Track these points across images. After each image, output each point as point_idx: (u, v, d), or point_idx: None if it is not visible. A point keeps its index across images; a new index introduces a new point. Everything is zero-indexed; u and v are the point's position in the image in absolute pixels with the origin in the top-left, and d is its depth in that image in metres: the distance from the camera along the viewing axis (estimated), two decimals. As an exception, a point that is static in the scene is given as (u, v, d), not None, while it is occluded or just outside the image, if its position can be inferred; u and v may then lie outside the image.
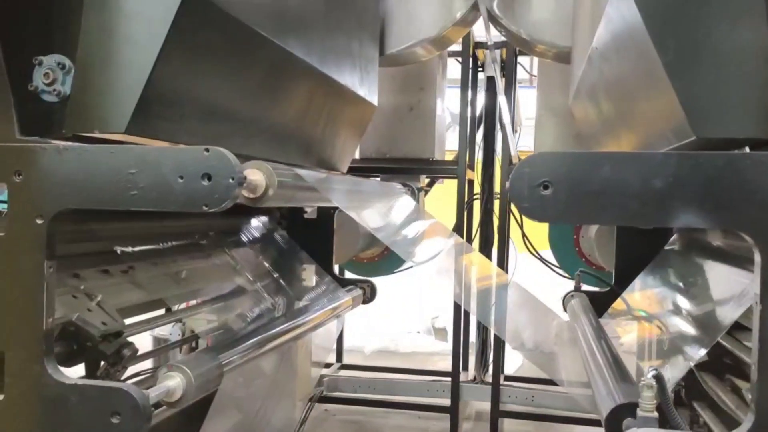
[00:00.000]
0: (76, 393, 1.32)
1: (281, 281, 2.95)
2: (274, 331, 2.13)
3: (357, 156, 4.36)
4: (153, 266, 2.30)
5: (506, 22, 3.22)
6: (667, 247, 2.46)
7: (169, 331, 3.72)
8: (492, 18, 3.33)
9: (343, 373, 4.94)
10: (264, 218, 3.07)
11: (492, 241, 4.83)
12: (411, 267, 4.15)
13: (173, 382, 1.50)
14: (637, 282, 2.55)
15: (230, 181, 1.28)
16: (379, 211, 2.36)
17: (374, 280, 3.25)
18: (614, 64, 1.73)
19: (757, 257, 1.08)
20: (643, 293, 2.50)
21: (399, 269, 4.41)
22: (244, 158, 1.91)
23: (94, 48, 1.47)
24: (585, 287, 2.98)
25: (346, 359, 5.38)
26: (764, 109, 1.20)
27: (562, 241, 4.17)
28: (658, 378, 1.19)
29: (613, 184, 1.15)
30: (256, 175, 1.47)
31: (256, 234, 3.01)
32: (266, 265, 2.96)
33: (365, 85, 2.93)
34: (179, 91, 1.61)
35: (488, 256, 4.78)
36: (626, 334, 2.56)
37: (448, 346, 4.59)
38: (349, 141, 3.08)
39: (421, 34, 3.40)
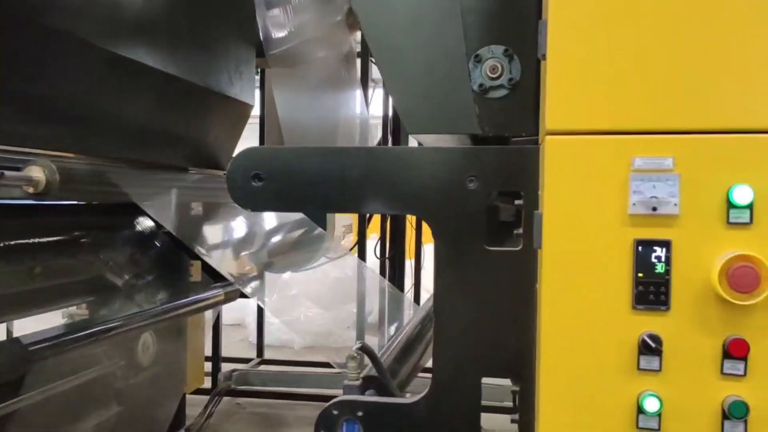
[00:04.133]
0: None
1: (158, 277, 3.04)
2: (107, 322, 2.22)
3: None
4: (5, 263, 2.37)
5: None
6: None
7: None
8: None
9: (262, 368, 5.05)
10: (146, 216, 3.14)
11: (403, 240, 4.97)
12: (316, 266, 4.27)
13: (-36, 368, 1.60)
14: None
15: (-20, 177, 1.39)
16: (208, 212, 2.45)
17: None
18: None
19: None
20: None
21: (305, 267, 4.50)
22: (93, 156, 2.00)
23: None
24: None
25: (276, 355, 5.51)
26: (462, 107, 1.32)
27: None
28: (365, 349, 1.31)
29: (317, 176, 1.26)
30: (35, 171, 1.56)
31: (136, 231, 3.09)
32: (143, 262, 3.04)
33: (237, 85, 3.03)
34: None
35: (401, 256, 4.93)
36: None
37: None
38: (225, 139, 3.17)
39: (304, 35, 3.50)
